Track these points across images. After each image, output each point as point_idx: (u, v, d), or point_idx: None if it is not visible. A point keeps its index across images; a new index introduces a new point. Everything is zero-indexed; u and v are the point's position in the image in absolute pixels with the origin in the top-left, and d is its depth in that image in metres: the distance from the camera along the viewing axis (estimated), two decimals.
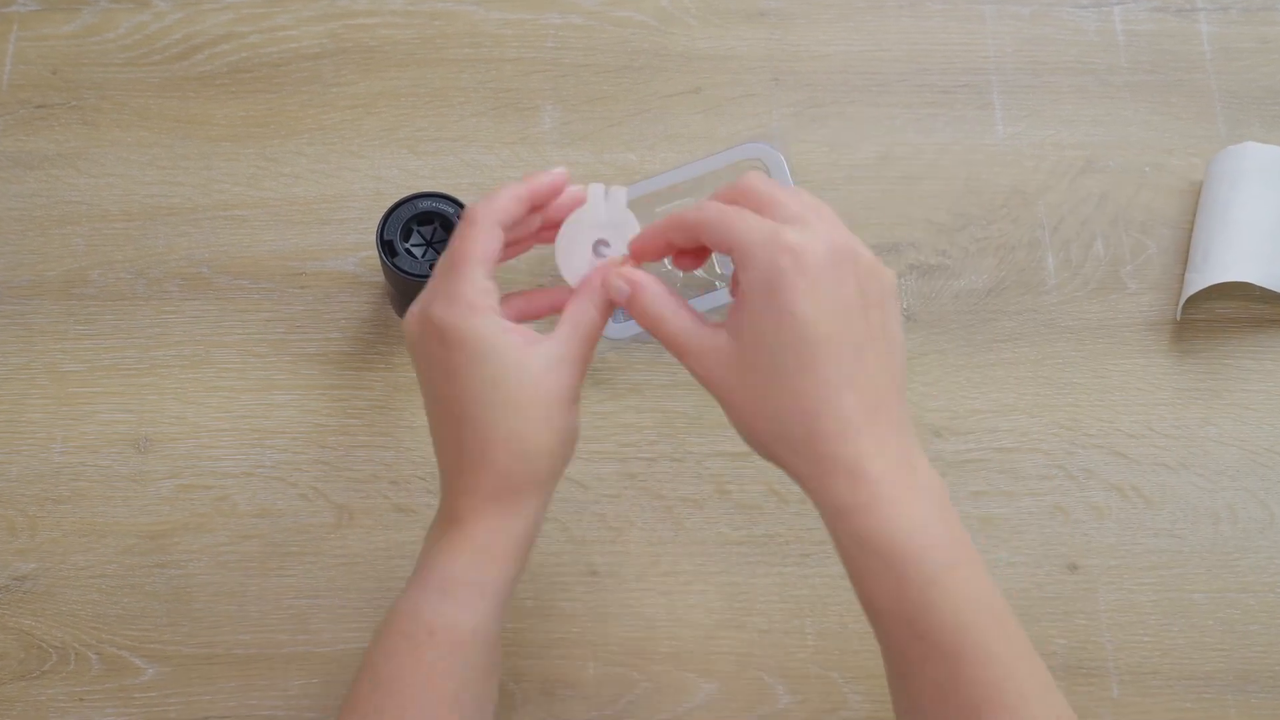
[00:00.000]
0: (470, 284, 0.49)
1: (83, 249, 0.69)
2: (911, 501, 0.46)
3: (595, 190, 0.52)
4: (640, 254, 0.51)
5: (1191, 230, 0.70)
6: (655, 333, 0.50)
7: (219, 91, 0.73)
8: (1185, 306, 0.68)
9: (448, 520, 0.51)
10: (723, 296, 0.65)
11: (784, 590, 0.63)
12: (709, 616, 0.63)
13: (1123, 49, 0.75)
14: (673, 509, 0.65)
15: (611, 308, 0.51)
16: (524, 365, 0.49)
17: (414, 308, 0.51)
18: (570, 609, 0.63)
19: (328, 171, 0.71)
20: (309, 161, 0.71)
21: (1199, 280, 0.67)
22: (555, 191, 0.52)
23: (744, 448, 0.49)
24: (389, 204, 0.63)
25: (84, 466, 0.65)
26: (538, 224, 0.53)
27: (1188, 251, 0.70)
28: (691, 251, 0.51)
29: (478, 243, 0.50)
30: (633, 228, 0.52)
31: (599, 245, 0.52)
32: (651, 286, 0.50)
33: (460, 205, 0.63)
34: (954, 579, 0.45)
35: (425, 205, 0.63)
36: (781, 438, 0.47)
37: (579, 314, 0.51)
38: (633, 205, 0.67)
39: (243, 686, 0.61)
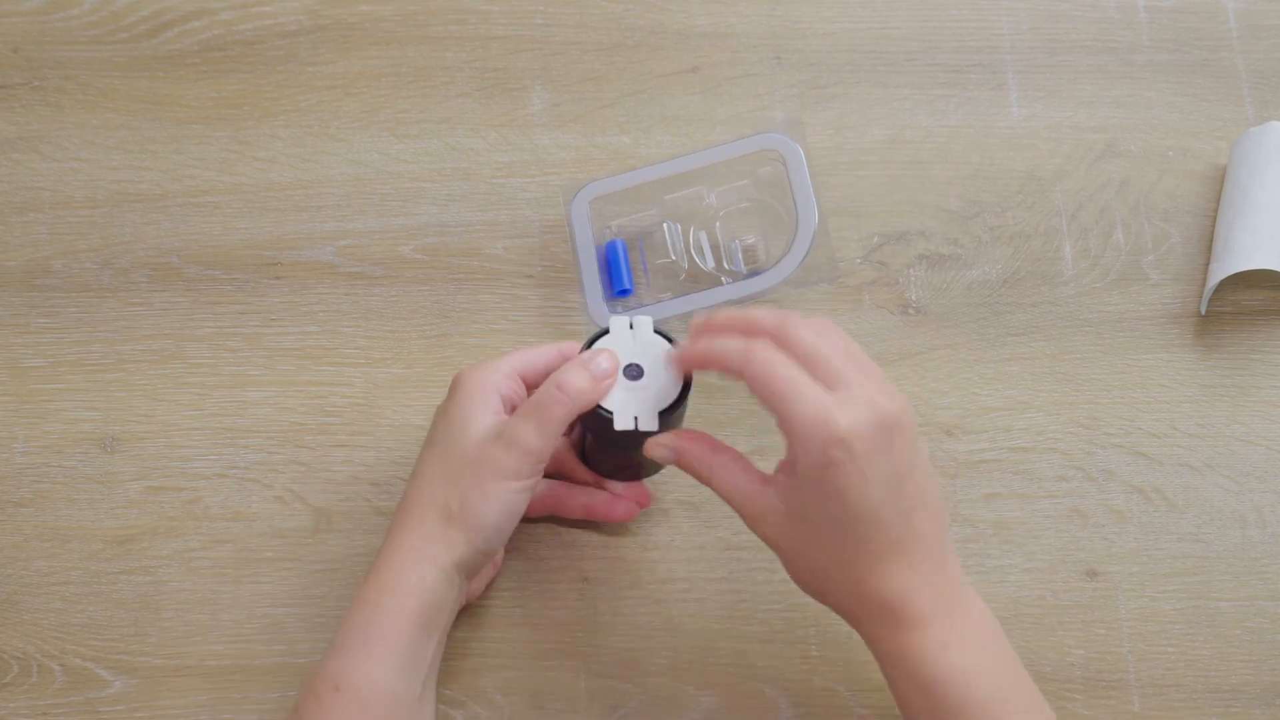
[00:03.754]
0: (503, 373, 0.56)
1: (45, 237, 0.68)
2: (958, 642, 0.50)
3: (618, 322, 0.56)
4: (686, 370, 0.55)
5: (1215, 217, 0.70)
6: (706, 485, 0.53)
7: (189, 71, 0.72)
8: (1210, 298, 0.67)
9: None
10: (729, 292, 0.65)
11: (786, 598, 0.62)
12: (707, 626, 0.62)
13: (1145, 26, 0.74)
14: (670, 512, 0.64)
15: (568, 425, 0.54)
16: (479, 423, 0.54)
17: None
18: (561, 618, 0.62)
19: (304, 156, 0.70)
20: (285, 145, 0.70)
21: (1221, 270, 0.66)
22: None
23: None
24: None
25: (47, 467, 0.64)
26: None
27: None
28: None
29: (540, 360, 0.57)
30: (663, 347, 0.55)
31: (629, 369, 0.55)
32: (694, 449, 0.53)
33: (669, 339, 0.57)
34: (1006, 713, 0.50)
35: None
36: (832, 591, 0.52)
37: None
38: (640, 191, 0.66)
39: (215, 700, 0.60)
